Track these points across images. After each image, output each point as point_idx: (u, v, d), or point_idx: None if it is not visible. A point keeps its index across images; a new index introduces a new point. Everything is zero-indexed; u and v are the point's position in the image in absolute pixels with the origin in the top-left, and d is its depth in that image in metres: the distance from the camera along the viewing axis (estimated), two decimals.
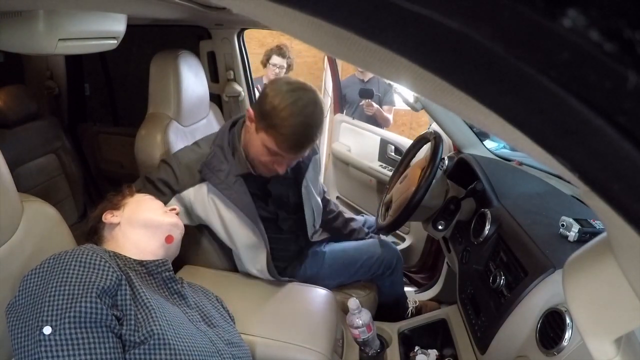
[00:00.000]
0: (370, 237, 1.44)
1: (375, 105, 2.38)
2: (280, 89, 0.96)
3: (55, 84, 2.03)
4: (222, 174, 1.04)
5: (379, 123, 2.41)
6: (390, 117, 2.52)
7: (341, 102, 2.53)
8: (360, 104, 2.40)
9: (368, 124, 2.28)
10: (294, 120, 0.93)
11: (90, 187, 2.18)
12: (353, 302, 1.05)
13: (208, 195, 1.06)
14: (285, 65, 2.42)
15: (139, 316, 0.66)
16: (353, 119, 2.40)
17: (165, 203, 1.03)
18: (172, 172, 1.07)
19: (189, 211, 1.09)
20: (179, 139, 1.30)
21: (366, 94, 2.25)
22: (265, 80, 2.49)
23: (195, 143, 1.16)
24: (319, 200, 1.31)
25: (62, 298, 0.60)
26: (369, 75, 2.49)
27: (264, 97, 0.97)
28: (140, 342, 0.64)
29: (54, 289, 0.61)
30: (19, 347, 0.60)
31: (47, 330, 0.58)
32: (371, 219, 1.55)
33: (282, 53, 2.39)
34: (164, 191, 1.06)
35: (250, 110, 1.01)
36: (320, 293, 1.15)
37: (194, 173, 1.06)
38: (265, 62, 2.44)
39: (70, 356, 0.58)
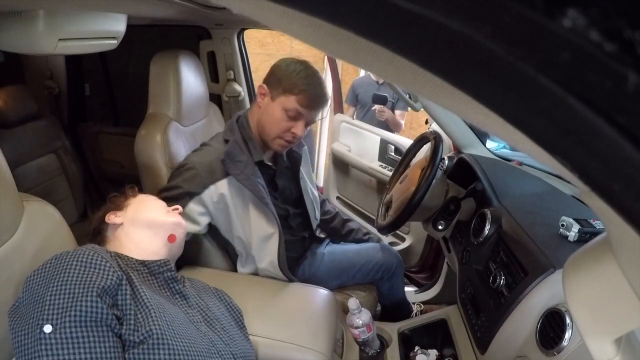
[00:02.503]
0: (369, 239, 1.44)
1: (388, 111, 2.35)
2: (289, 60, 1.08)
3: (55, 84, 2.03)
4: (241, 165, 1.07)
5: (390, 128, 2.38)
6: (402, 122, 2.47)
7: (340, 102, 2.52)
8: (373, 108, 2.37)
9: (379, 128, 2.26)
10: (311, 79, 1.05)
11: (90, 187, 2.18)
12: (353, 302, 1.05)
13: (229, 189, 1.08)
14: None
15: (139, 316, 0.67)
16: (356, 119, 2.38)
17: (184, 206, 1.05)
18: (197, 173, 1.07)
19: (209, 211, 1.10)
20: (179, 139, 1.30)
21: (379, 99, 2.21)
22: None
23: (204, 144, 1.19)
24: (316, 193, 1.33)
25: (63, 297, 0.61)
26: None
27: (276, 69, 1.08)
28: (140, 341, 0.64)
29: (54, 289, 0.62)
30: (19, 346, 0.60)
31: (47, 328, 0.58)
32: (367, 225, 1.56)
33: None
34: (184, 199, 1.06)
35: (263, 85, 1.09)
36: (320, 293, 1.15)
37: (215, 169, 1.08)
38: None
39: (70, 354, 0.58)
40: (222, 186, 1.07)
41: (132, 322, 0.65)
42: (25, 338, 0.59)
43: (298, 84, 1.04)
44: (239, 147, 1.09)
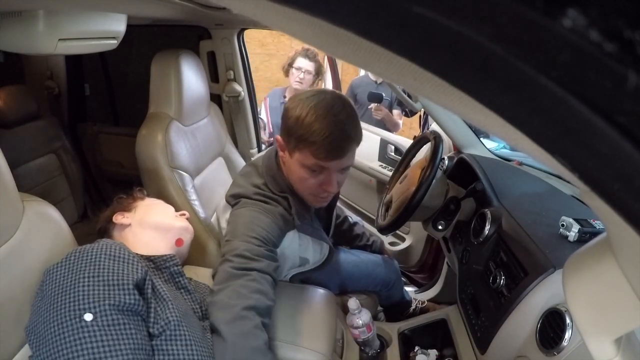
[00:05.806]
0: (374, 242, 1.43)
1: (385, 110, 2.34)
2: (299, 99, 0.87)
3: (55, 84, 2.03)
4: (307, 221, 1.03)
5: (388, 128, 2.38)
6: (400, 122, 2.45)
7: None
8: (369, 107, 2.36)
9: (377, 127, 2.24)
10: (322, 122, 0.82)
11: (90, 187, 2.18)
12: (353, 302, 1.05)
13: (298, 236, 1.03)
14: (313, 71, 2.06)
15: (158, 309, 0.69)
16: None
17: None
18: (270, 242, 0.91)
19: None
20: (180, 138, 1.30)
21: (374, 98, 2.20)
22: (287, 93, 2.18)
23: (257, 205, 0.94)
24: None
25: (98, 287, 0.62)
26: None
27: (285, 114, 0.88)
28: (159, 333, 0.66)
29: (87, 279, 0.63)
30: (52, 337, 0.59)
31: (88, 317, 0.59)
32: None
33: (309, 55, 2.05)
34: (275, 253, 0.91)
35: (279, 138, 0.92)
36: (320, 293, 1.14)
37: (282, 228, 0.95)
38: (288, 68, 2.08)
39: (115, 339, 0.59)
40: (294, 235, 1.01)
41: (152, 314, 0.67)
42: (61, 328, 0.59)
43: (308, 133, 0.82)
44: (299, 203, 0.97)
